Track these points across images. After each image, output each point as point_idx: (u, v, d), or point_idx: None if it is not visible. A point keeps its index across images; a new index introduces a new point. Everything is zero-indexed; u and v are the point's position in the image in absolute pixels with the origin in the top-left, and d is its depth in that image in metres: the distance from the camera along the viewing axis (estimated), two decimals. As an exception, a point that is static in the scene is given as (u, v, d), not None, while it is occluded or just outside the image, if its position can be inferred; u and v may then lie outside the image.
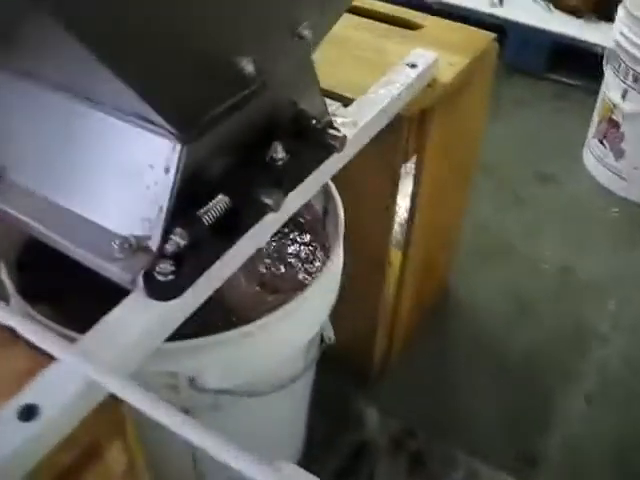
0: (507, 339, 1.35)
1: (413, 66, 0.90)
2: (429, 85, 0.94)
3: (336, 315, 0.98)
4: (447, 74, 0.96)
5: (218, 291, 0.82)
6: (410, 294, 1.20)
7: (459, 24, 1.10)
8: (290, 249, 0.88)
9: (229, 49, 0.55)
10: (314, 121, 0.69)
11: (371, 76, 0.87)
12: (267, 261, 0.86)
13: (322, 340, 0.96)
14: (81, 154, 0.64)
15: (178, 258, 0.58)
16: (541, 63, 2.16)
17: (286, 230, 0.90)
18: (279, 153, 0.66)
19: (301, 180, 0.69)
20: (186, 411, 0.77)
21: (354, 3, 1.12)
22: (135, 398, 0.49)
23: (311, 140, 0.69)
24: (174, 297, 0.58)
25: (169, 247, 0.57)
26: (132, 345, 0.55)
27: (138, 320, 0.56)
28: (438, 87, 0.94)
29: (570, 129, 1.95)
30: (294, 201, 0.70)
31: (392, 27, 1.07)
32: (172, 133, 0.57)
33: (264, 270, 0.85)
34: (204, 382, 0.72)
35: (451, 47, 1.01)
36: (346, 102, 0.85)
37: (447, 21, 1.10)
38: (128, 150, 0.61)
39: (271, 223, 0.66)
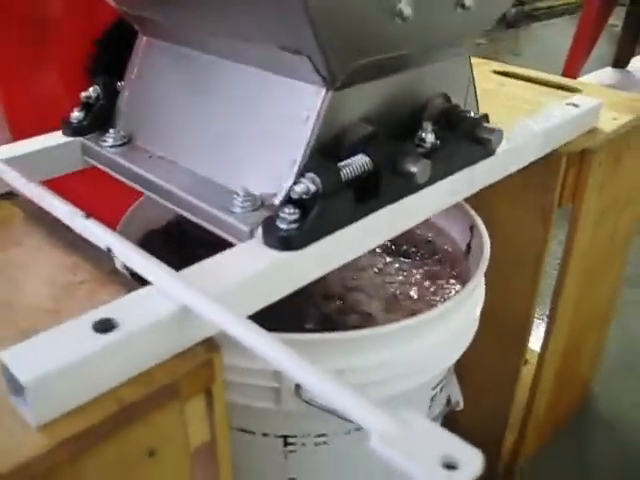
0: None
1: (575, 106, 0.83)
2: (590, 131, 0.86)
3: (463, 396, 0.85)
4: (610, 126, 0.88)
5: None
6: (549, 387, 1.04)
7: (621, 92, 1.03)
8: (424, 275, 0.78)
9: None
10: (470, 113, 0.63)
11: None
12: (397, 281, 0.77)
13: (449, 402, 0.83)
14: (215, 113, 0.61)
15: (305, 207, 0.51)
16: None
17: (419, 254, 0.82)
18: (429, 134, 0.59)
19: (453, 169, 0.61)
20: (285, 437, 0.67)
21: (507, 69, 1.10)
22: (238, 328, 0.41)
23: (463, 130, 0.62)
24: (295, 248, 0.50)
25: (297, 189, 0.50)
26: (239, 290, 0.47)
27: (250, 264, 0.49)
28: (600, 133, 0.85)
29: None
30: (438, 198, 0.62)
31: (548, 88, 1.02)
32: (320, 75, 0.52)
33: (393, 290, 0.75)
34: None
35: (614, 106, 0.94)
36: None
37: (608, 88, 1.04)
38: (266, 100, 0.57)
39: (415, 205, 0.58)
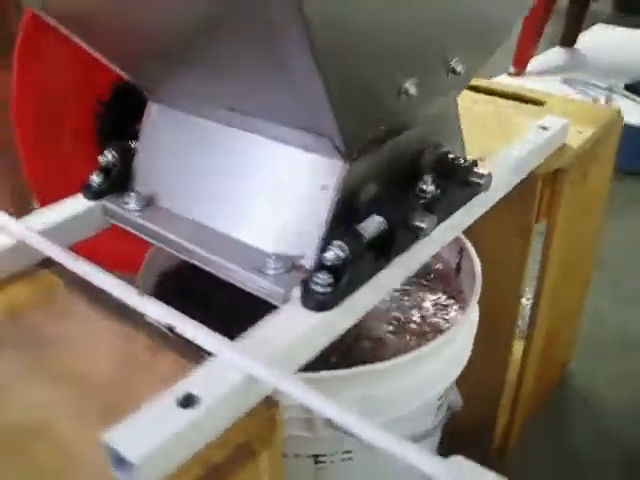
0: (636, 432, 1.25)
1: (545, 129, 0.92)
2: (560, 149, 0.95)
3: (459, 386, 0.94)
4: (576, 141, 0.97)
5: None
6: (533, 373, 1.14)
7: (581, 100, 1.12)
8: (423, 296, 0.87)
9: (400, 67, 0.58)
10: (461, 160, 0.71)
11: (497, 141, 0.89)
12: (400, 304, 0.85)
13: (449, 406, 0.91)
14: (236, 178, 0.67)
15: (336, 272, 0.58)
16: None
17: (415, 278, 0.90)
18: (429, 185, 0.67)
19: (451, 212, 0.69)
20: (316, 457, 0.75)
21: (475, 82, 1.18)
22: (300, 393, 0.48)
23: (458, 178, 0.70)
24: (330, 308, 0.57)
25: (328, 256, 0.57)
26: (288, 352, 0.55)
27: (294, 327, 0.56)
28: (569, 151, 0.94)
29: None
30: (441, 236, 0.70)
31: (515, 102, 1.10)
32: (337, 149, 0.59)
33: (397, 314, 0.84)
34: (342, 420, 0.69)
35: (578, 118, 1.02)
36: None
37: (570, 97, 1.13)
38: (286, 170, 0.64)
39: (422, 251, 0.66)
